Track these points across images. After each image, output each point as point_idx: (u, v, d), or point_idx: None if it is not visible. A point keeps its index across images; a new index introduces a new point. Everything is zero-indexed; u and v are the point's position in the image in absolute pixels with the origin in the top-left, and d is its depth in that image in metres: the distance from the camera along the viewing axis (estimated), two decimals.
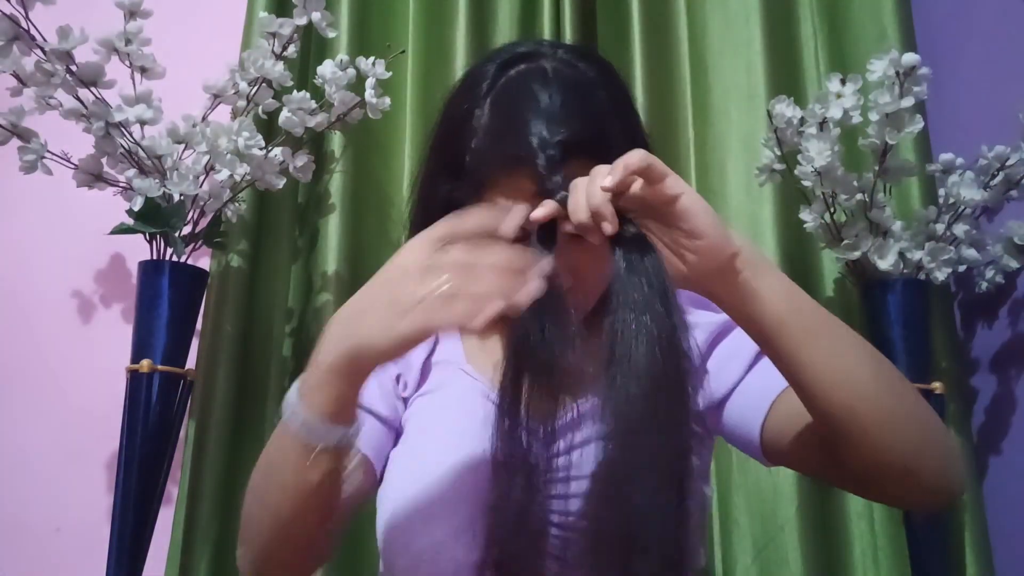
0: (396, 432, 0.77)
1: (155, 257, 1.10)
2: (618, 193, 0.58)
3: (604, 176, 0.58)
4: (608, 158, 0.66)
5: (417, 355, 0.80)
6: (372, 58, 1.16)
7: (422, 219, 0.80)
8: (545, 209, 0.61)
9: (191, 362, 1.12)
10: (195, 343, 1.14)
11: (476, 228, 0.57)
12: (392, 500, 0.72)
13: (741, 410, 0.75)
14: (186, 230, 1.11)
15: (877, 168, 1.08)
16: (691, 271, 0.60)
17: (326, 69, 1.15)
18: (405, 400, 0.79)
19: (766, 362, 0.74)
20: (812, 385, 0.62)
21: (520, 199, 0.65)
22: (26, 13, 1.01)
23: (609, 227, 0.58)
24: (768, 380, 0.72)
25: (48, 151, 1.06)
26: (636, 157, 0.58)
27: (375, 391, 0.77)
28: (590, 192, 0.59)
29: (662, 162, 0.58)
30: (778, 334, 0.61)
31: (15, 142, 1.06)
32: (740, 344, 0.76)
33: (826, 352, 0.61)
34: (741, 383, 0.75)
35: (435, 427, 0.75)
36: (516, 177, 0.66)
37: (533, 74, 0.70)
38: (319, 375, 0.58)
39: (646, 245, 0.59)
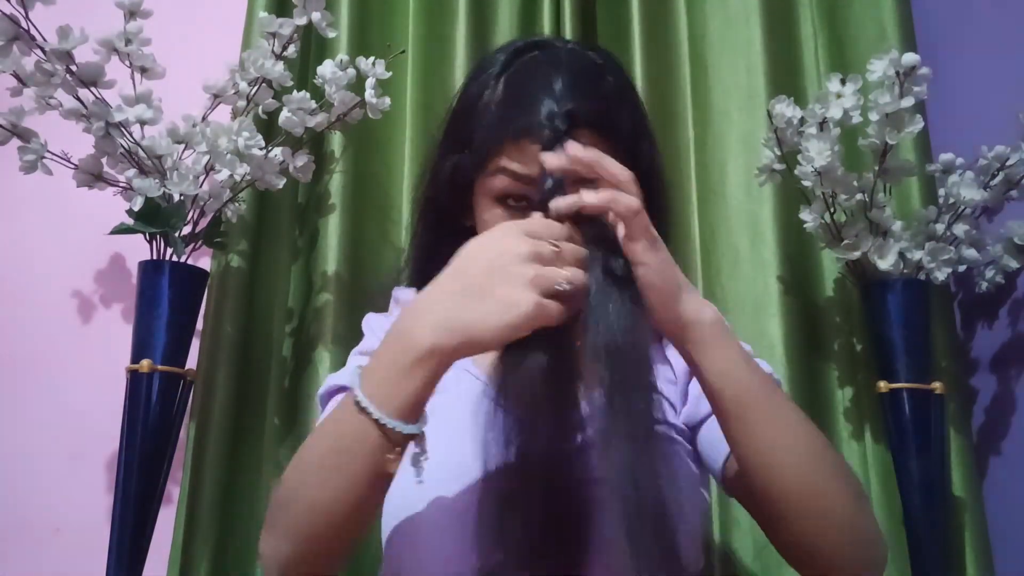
0: None
1: (155, 257, 1.10)
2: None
3: (591, 195, 0.61)
4: (612, 135, 0.69)
5: None
6: (372, 58, 1.16)
7: (433, 196, 0.83)
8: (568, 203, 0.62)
9: (191, 362, 1.12)
10: (195, 343, 1.14)
11: (557, 228, 0.60)
12: (397, 500, 0.72)
13: (709, 442, 0.78)
14: (186, 230, 1.11)
15: (877, 168, 1.08)
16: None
17: (326, 69, 1.15)
18: None
19: None
20: (741, 457, 0.64)
21: (525, 162, 0.68)
22: (26, 13, 1.01)
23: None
24: None
25: (48, 151, 1.06)
26: (626, 204, 0.60)
27: None
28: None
29: (648, 226, 0.61)
30: (715, 403, 0.64)
31: (15, 142, 1.06)
32: None
33: (757, 432, 0.62)
34: (711, 416, 0.77)
35: (439, 428, 0.75)
36: (523, 144, 0.68)
37: (544, 57, 0.74)
38: (402, 367, 0.57)
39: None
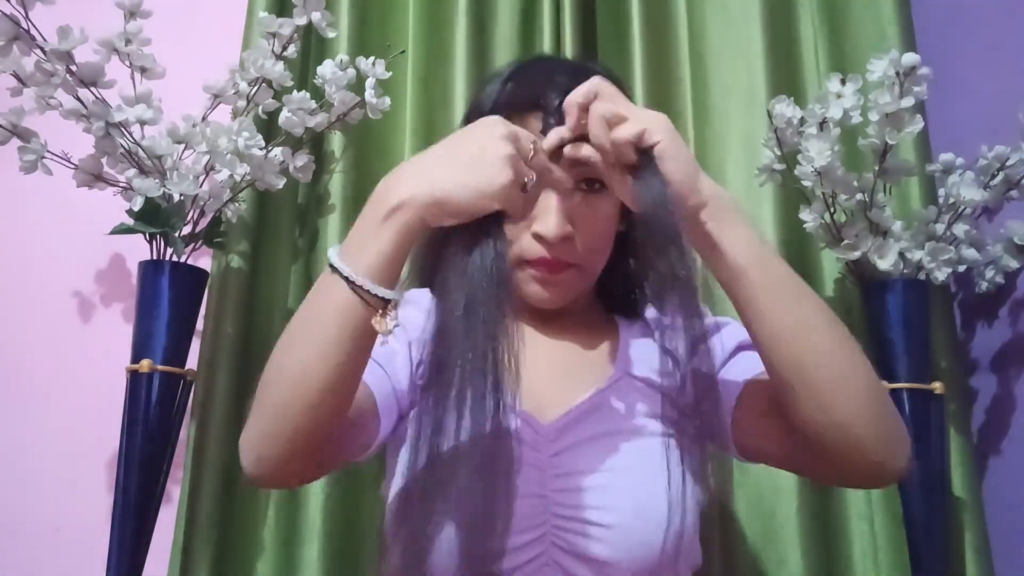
0: (399, 412, 0.76)
1: (155, 257, 1.10)
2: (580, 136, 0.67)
3: (560, 130, 0.68)
4: None
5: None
6: (372, 58, 1.16)
7: None
8: (555, 137, 0.68)
9: (191, 362, 1.12)
10: (195, 343, 1.14)
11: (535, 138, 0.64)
12: (400, 495, 0.72)
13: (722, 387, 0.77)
14: (186, 230, 1.11)
15: (877, 168, 1.08)
16: None
17: (326, 69, 1.15)
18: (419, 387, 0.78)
19: (742, 355, 0.78)
20: (765, 335, 0.65)
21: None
22: (26, 13, 1.01)
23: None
24: (742, 367, 0.76)
25: (48, 151, 1.07)
26: (582, 90, 0.66)
27: (401, 368, 0.76)
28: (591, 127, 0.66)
29: (622, 100, 0.66)
30: (737, 283, 0.65)
31: (15, 142, 1.06)
32: (720, 342, 0.79)
33: (781, 305, 0.64)
34: (719, 372, 0.77)
35: None
36: (526, 120, 0.73)
37: (549, 60, 0.84)
38: (373, 223, 0.59)
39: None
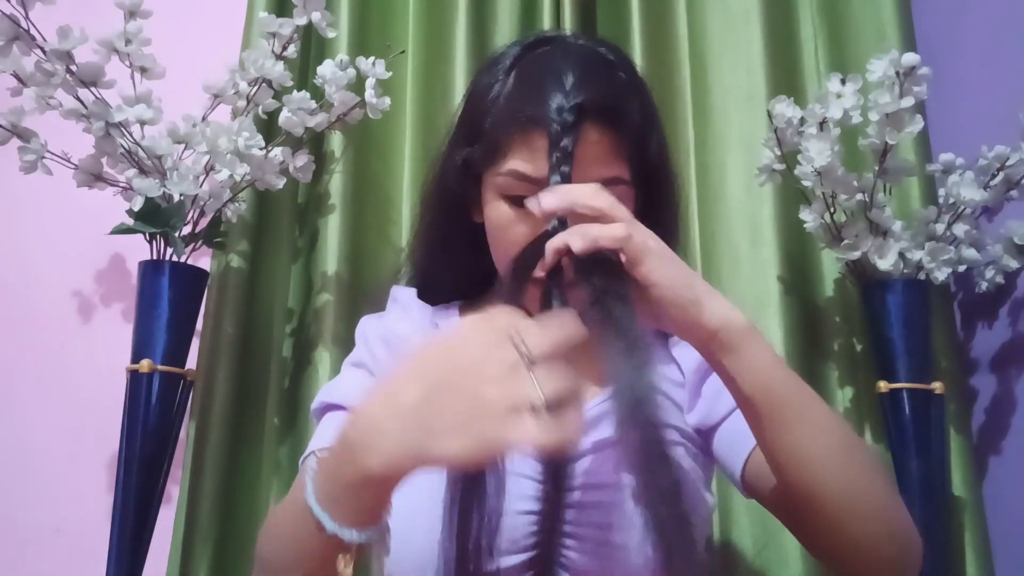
0: None
1: (155, 257, 1.10)
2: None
3: (577, 236, 0.57)
4: (620, 128, 0.69)
5: None
6: (372, 58, 1.16)
7: (441, 187, 0.82)
8: (552, 253, 0.59)
9: (191, 362, 1.12)
10: (195, 343, 1.14)
11: (550, 339, 0.48)
12: (395, 507, 0.72)
13: (728, 444, 0.76)
14: (186, 230, 1.11)
15: (877, 168, 1.08)
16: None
17: (326, 69, 1.15)
18: None
19: None
20: (776, 461, 0.63)
21: (534, 161, 0.68)
22: (26, 13, 1.01)
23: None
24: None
25: (48, 151, 1.06)
26: (610, 235, 0.57)
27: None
28: (581, 232, 0.58)
29: (646, 245, 0.57)
30: (746, 409, 0.62)
31: (15, 142, 1.05)
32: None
33: (791, 435, 0.61)
34: (729, 417, 0.76)
35: None
36: (531, 138, 0.68)
37: (556, 51, 0.73)
38: (349, 486, 0.49)
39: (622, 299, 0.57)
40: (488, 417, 0.45)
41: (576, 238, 0.58)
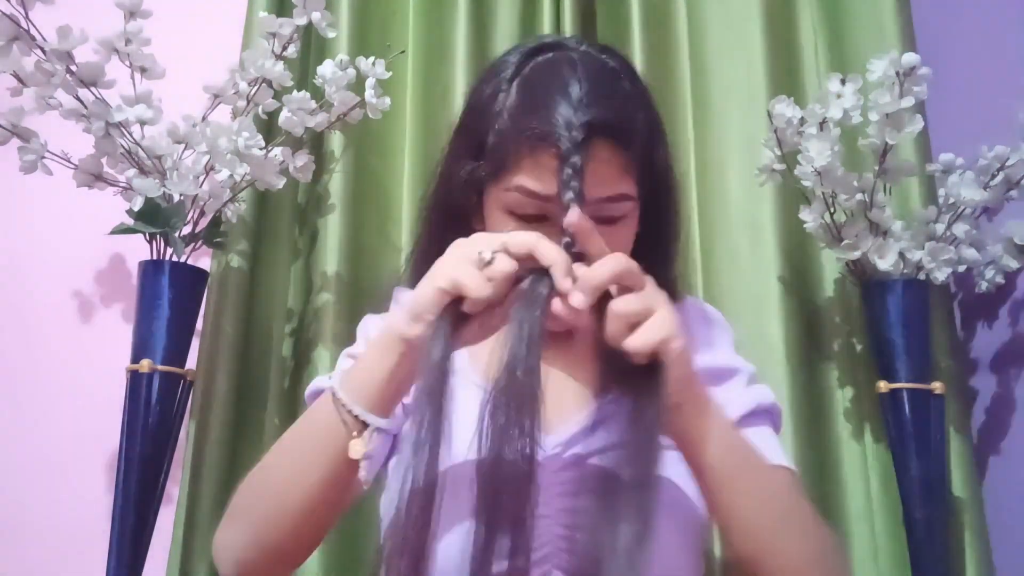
0: (393, 437, 0.76)
1: (155, 257, 1.10)
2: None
3: (579, 292, 0.58)
4: (628, 144, 0.68)
5: None
6: (372, 58, 1.16)
7: (443, 199, 0.81)
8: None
9: (191, 362, 1.12)
10: (195, 343, 1.14)
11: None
12: (396, 517, 0.71)
13: None
14: (186, 230, 1.11)
15: (877, 168, 1.08)
16: None
17: (326, 69, 1.15)
18: (404, 405, 0.78)
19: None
20: (722, 525, 0.66)
21: (542, 178, 0.67)
22: (26, 13, 1.01)
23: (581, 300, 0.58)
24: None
25: (48, 151, 1.06)
26: (624, 305, 0.58)
27: None
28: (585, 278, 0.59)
29: (662, 317, 0.58)
30: (697, 475, 0.64)
31: (15, 142, 1.06)
32: (727, 400, 0.75)
33: (737, 504, 0.64)
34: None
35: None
36: (539, 155, 0.67)
37: (559, 60, 0.72)
38: (373, 355, 0.61)
39: None
40: (454, 263, 0.60)
41: (587, 287, 0.58)
